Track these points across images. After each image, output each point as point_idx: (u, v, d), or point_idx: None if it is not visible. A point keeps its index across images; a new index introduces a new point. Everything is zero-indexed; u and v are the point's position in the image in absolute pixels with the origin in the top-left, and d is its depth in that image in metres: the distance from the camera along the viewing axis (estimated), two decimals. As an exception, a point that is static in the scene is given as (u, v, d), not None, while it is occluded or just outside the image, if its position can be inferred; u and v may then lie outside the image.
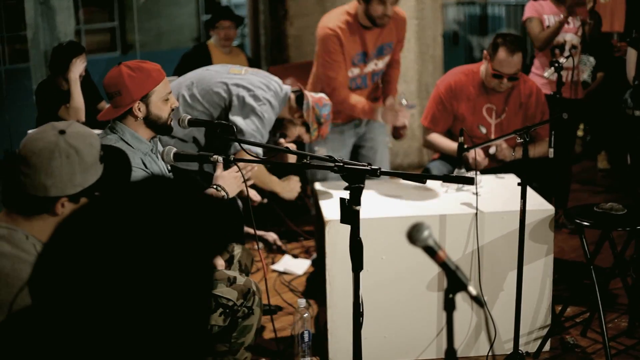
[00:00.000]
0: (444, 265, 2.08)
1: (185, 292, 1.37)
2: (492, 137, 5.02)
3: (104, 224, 1.38)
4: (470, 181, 2.96)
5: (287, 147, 3.34)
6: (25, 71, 9.19)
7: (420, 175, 2.99)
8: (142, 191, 1.43)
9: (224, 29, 6.59)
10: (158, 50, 13.23)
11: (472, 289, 2.05)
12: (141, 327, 1.34)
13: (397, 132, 5.04)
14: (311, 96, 4.56)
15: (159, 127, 3.51)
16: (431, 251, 2.09)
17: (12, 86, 9.07)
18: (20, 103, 8.42)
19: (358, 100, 4.99)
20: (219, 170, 3.68)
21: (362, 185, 2.84)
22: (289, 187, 4.68)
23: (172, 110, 3.56)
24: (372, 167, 2.88)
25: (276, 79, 4.60)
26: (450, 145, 5.04)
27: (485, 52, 5.02)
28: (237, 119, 4.31)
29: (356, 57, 4.98)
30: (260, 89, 4.41)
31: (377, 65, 5.09)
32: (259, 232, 5.54)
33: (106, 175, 2.54)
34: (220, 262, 3.81)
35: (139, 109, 3.46)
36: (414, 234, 2.10)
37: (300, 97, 4.57)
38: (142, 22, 13.36)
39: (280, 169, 4.95)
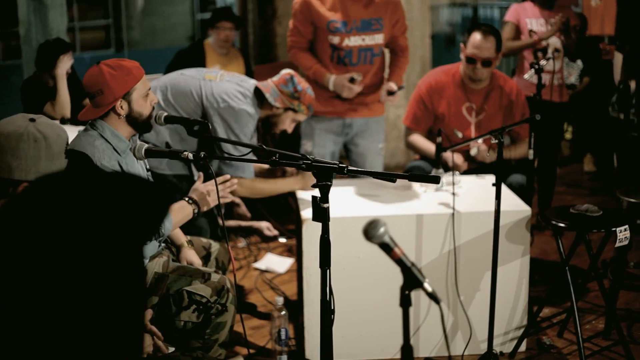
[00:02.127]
0: (399, 262, 2.10)
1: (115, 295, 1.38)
2: (472, 135, 5.05)
3: (33, 218, 1.38)
4: (436, 180, 2.97)
5: (260, 145, 3.34)
6: (17, 68, 9.21)
7: (389, 174, 3.00)
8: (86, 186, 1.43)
9: (224, 29, 6.57)
10: (152, 48, 13.26)
11: (428, 286, 2.07)
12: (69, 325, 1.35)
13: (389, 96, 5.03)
14: (271, 82, 4.54)
15: (140, 124, 3.53)
16: (387, 248, 2.12)
17: (4, 83, 9.10)
18: (11, 99, 8.44)
19: (307, 59, 5.05)
20: (197, 183, 3.72)
21: (329, 183, 2.85)
22: (308, 180, 4.61)
23: (153, 107, 3.58)
24: (340, 164, 2.90)
25: (252, 82, 4.60)
26: (429, 147, 5.06)
27: (461, 44, 5.07)
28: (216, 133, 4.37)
29: (333, 24, 4.93)
30: (236, 99, 4.41)
31: (365, 41, 4.99)
32: (251, 223, 5.53)
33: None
34: (197, 261, 3.83)
35: (122, 107, 3.47)
36: (370, 230, 2.13)
37: (260, 94, 4.55)
38: (136, 20, 13.40)
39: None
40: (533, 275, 4.62)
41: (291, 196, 6.15)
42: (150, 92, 3.58)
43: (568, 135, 8.43)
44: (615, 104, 7.63)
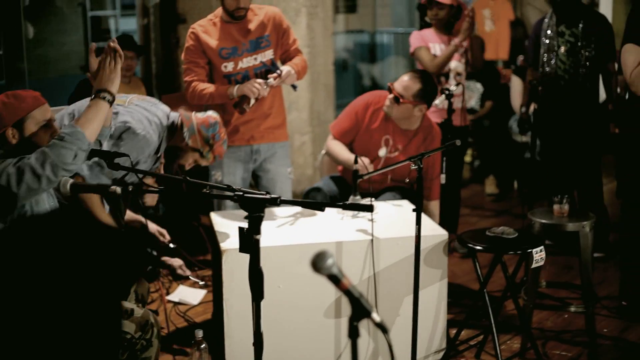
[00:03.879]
0: (347, 293, 2.10)
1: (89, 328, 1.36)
2: (380, 166, 5.07)
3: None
4: (369, 209, 3.00)
5: (185, 177, 3.30)
6: None
7: (319, 203, 3.01)
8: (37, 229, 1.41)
9: (125, 59, 6.47)
10: (46, 78, 13.01)
11: (376, 316, 2.08)
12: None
13: (241, 106, 5.02)
14: (195, 118, 4.45)
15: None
16: (335, 279, 2.11)
17: None
18: None
19: (207, 85, 5.08)
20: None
21: (262, 215, 2.85)
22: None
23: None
24: (272, 196, 2.89)
25: (163, 107, 4.51)
26: (348, 156, 5.09)
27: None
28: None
29: (224, 51, 5.05)
30: (140, 123, 4.28)
31: (257, 60, 5.11)
32: (164, 258, 5.44)
33: None
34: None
35: (13, 136, 3.43)
36: (318, 262, 2.12)
37: (180, 123, 4.48)
38: (29, 50, 13.11)
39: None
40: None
41: (202, 226, 6.11)
42: (53, 124, 3.52)
43: (468, 158, 8.59)
44: (514, 127, 7.84)
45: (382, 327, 2.06)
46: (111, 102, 3.48)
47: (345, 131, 5.24)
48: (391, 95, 5.00)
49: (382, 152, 5.12)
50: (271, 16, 5.18)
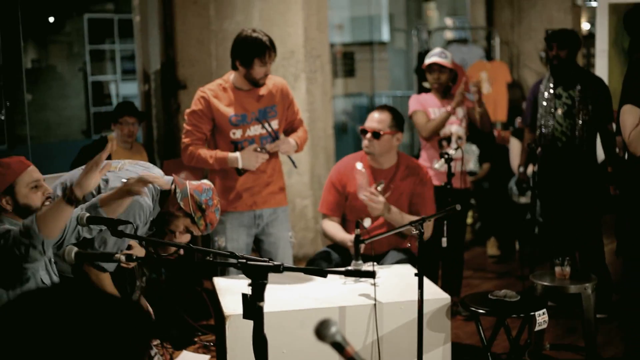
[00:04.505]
0: (352, 360, 2.11)
1: None
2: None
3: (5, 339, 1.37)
4: (372, 275, 3.02)
5: (188, 245, 3.32)
6: None
7: (322, 270, 3.03)
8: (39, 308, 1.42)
9: (127, 124, 6.52)
10: (47, 143, 13.09)
11: (380, 384, 2.08)
12: None
13: (240, 171, 5.12)
14: (189, 184, 4.38)
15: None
16: (339, 347, 2.12)
17: None
18: None
19: (208, 152, 5.12)
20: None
21: (265, 282, 2.86)
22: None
23: (48, 197, 3.58)
24: (275, 263, 2.91)
25: (156, 171, 4.49)
26: (343, 235, 5.12)
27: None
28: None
29: (234, 118, 5.12)
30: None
31: (264, 129, 5.20)
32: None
33: None
34: None
35: (7, 202, 3.51)
36: (322, 330, 2.12)
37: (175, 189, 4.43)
38: (30, 115, 13.21)
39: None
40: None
41: (205, 291, 6.10)
42: (42, 182, 3.60)
43: (469, 220, 8.61)
44: (515, 188, 7.87)
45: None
46: (71, 203, 3.45)
47: (332, 205, 5.34)
48: (368, 135, 5.15)
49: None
50: (279, 87, 5.27)
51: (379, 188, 4.95)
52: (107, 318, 1.44)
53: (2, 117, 13.39)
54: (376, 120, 5.18)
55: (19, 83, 13.45)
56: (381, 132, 5.13)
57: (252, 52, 5.02)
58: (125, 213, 4.17)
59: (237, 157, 5.05)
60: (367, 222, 5.11)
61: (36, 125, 13.41)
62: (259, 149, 5.07)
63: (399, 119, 5.26)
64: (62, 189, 4.30)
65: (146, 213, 4.27)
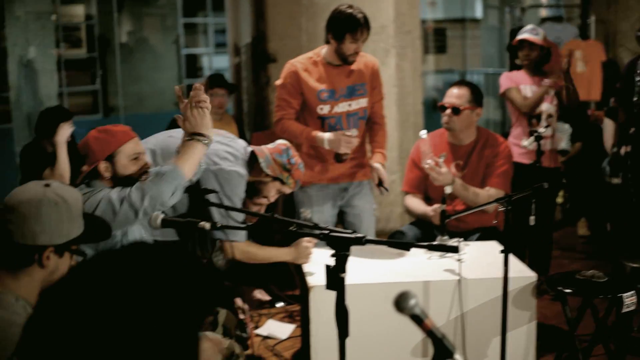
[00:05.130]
0: (430, 333, 2.10)
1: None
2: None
3: (88, 291, 1.40)
4: (455, 250, 3.00)
5: (272, 215, 3.36)
6: (7, 132, 9.21)
7: (406, 243, 3.03)
8: (127, 258, 1.45)
9: (217, 96, 6.59)
10: (140, 114, 13.31)
11: (459, 357, 2.07)
12: None
13: (340, 157, 5.10)
14: (267, 149, 4.55)
15: (128, 186, 3.57)
16: (418, 319, 2.12)
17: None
18: (3, 164, 8.41)
19: (299, 128, 5.12)
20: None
21: (347, 253, 2.87)
22: (302, 253, 4.55)
23: (145, 171, 3.64)
24: (357, 235, 2.91)
25: (241, 142, 4.61)
26: (425, 208, 5.13)
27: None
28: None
29: (322, 94, 5.11)
30: (226, 161, 4.39)
31: (351, 106, 5.18)
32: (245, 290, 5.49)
33: (86, 234, 2.59)
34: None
35: (106, 169, 3.57)
36: (401, 302, 2.12)
37: (254, 157, 4.56)
38: (124, 86, 13.46)
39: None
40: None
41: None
42: (142, 155, 3.65)
43: (559, 199, 8.48)
44: (608, 168, 7.71)
45: (466, 369, 2.05)
46: (208, 144, 3.56)
47: (414, 182, 5.33)
48: (448, 111, 5.10)
49: (457, 174, 5.12)
50: (370, 66, 5.26)
51: (442, 159, 4.90)
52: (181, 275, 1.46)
53: (97, 88, 13.67)
54: (455, 95, 5.13)
55: (113, 55, 13.71)
56: (461, 108, 5.08)
57: (345, 26, 5.01)
58: (230, 184, 4.29)
59: (324, 139, 5.06)
60: (448, 190, 5.08)
61: (129, 97, 13.66)
62: (347, 134, 5.05)
63: (478, 95, 5.20)
64: (151, 156, 4.40)
65: (244, 182, 4.39)
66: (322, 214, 5.26)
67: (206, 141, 3.53)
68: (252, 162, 4.52)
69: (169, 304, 1.40)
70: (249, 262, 4.74)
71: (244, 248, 4.53)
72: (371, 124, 5.39)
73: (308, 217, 5.14)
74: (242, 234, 4.53)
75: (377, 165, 5.17)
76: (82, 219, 2.58)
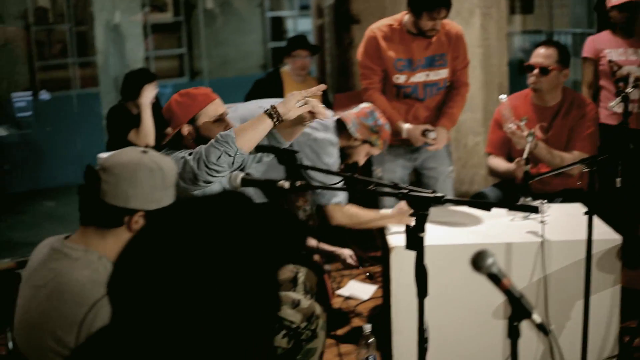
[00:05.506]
0: (508, 292, 2.09)
1: (251, 307, 1.41)
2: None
3: (170, 243, 1.42)
4: (535, 209, 2.96)
5: (352, 175, 3.35)
6: (95, 96, 9.38)
7: (486, 203, 3.00)
8: (206, 209, 1.47)
9: (300, 58, 6.59)
10: (225, 77, 13.39)
11: (537, 317, 2.05)
12: (209, 344, 1.38)
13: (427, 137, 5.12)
14: (352, 114, 4.57)
15: None
16: (495, 278, 2.11)
17: (83, 111, 9.26)
18: (90, 127, 8.58)
19: (383, 104, 5.07)
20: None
21: (426, 213, 2.85)
22: (402, 217, 4.48)
23: None
24: (437, 194, 2.90)
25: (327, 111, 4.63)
26: (508, 165, 5.10)
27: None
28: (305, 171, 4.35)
29: (399, 63, 5.06)
30: (318, 131, 4.42)
31: (429, 76, 5.13)
32: (333, 248, 5.48)
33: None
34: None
35: (189, 132, 3.61)
36: (478, 261, 2.12)
37: (341, 124, 4.58)
38: (209, 49, 13.55)
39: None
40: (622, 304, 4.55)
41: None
42: (225, 117, 3.67)
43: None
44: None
45: (542, 328, 2.04)
46: (276, 122, 3.49)
47: (497, 143, 5.26)
48: (536, 71, 5.00)
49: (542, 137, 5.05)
50: (453, 34, 5.18)
51: (523, 122, 4.82)
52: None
53: (183, 51, 13.80)
54: (543, 55, 5.02)
55: (198, 18, 13.81)
56: (549, 68, 4.98)
57: (423, 4, 4.93)
58: (324, 152, 4.33)
59: (403, 129, 5.04)
60: (432, 135, 5.04)
61: (214, 60, 13.76)
62: (427, 133, 5.01)
63: (566, 55, 5.08)
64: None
65: (337, 150, 4.43)
66: (393, 173, 5.26)
67: (276, 118, 3.47)
68: (339, 129, 4.55)
69: (255, 251, 1.42)
70: (352, 227, 4.73)
71: (348, 211, 4.53)
72: (451, 89, 5.32)
73: (379, 176, 5.17)
74: (343, 196, 4.55)
75: (441, 129, 5.17)
76: (174, 190, 2.62)
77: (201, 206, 1.48)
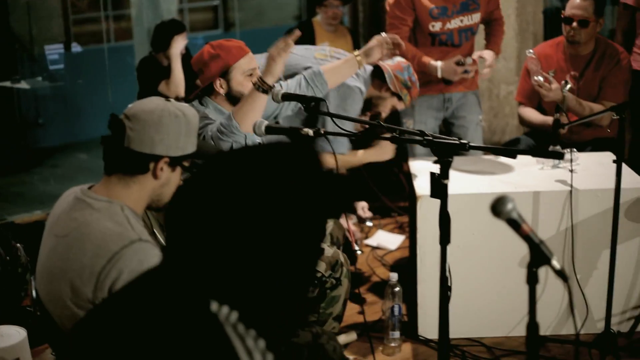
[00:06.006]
0: (527, 238, 2.08)
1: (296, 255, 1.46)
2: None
3: (207, 199, 1.46)
4: (560, 156, 2.94)
5: (378, 122, 3.35)
6: (128, 49, 9.40)
7: (510, 149, 2.99)
8: (248, 162, 1.50)
9: (331, 7, 6.53)
10: (259, 28, 13.34)
11: (556, 263, 2.05)
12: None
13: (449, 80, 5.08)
14: (388, 65, 4.54)
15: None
16: (515, 224, 2.10)
17: (116, 63, 9.28)
18: (123, 80, 8.62)
19: (412, 51, 5.00)
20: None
21: (450, 160, 2.85)
22: (383, 151, 4.64)
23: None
24: (461, 141, 2.89)
25: None
26: (543, 117, 5.04)
27: (562, 12, 5.00)
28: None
29: (435, 11, 4.98)
30: (350, 77, 4.40)
31: (463, 22, 5.04)
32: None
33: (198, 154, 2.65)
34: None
35: (221, 86, 3.60)
36: (498, 206, 2.11)
37: (379, 72, 4.56)
38: (243, 0, 13.50)
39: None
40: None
41: (402, 173, 6.15)
42: (257, 71, 3.64)
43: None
44: None
45: (562, 275, 2.03)
46: (265, 92, 3.47)
47: (528, 92, 5.18)
48: (575, 24, 4.89)
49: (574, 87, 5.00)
50: None
51: (551, 74, 4.77)
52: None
53: (217, 2, 13.76)
54: (581, 7, 4.89)
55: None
56: (589, 20, 4.89)
57: None
58: (350, 99, 4.34)
59: (437, 67, 4.97)
60: (568, 86, 4.97)
61: (249, 11, 13.71)
62: (461, 61, 4.95)
63: (601, 4, 4.97)
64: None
65: (362, 100, 4.44)
66: (424, 124, 5.19)
67: (262, 89, 3.45)
68: (373, 76, 4.54)
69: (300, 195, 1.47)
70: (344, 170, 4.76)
71: (342, 159, 4.55)
72: (490, 23, 5.26)
73: (410, 127, 5.15)
74: (346, 146, 4.55)
75: (486, 53, 5.11)
76: (196, 138, 2.64)
77: (262, 154, 1.52)
